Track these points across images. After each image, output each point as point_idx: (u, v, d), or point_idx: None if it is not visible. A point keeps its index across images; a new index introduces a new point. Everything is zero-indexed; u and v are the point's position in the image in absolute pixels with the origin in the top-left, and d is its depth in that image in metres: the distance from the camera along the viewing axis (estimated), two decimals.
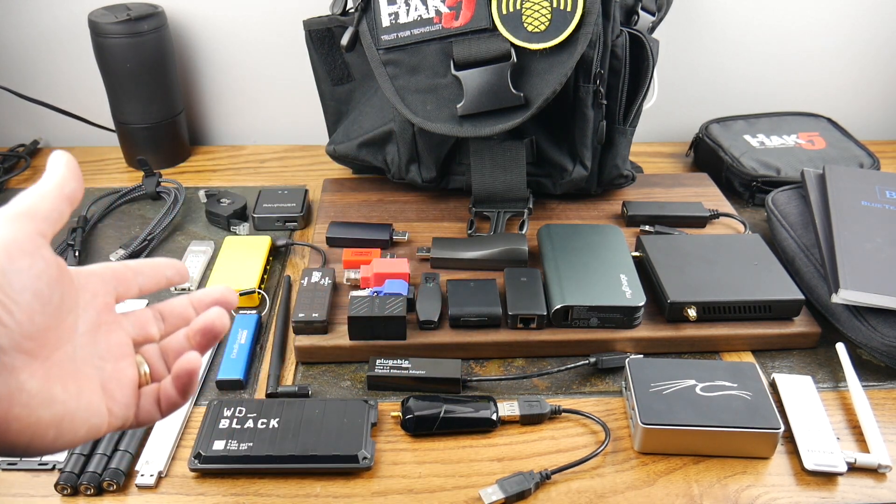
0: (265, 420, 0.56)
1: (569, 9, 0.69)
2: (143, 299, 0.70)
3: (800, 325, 0.66)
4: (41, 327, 0.33)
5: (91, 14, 0.87)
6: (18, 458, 0.54)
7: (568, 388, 0.63)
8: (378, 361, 0.62)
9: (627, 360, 0.61)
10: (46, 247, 0.34)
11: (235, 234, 0.83)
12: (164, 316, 0.42)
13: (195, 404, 0.60)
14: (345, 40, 0.77)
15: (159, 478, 0.54)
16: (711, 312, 0.66)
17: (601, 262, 0.70)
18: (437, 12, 0.72)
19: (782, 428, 0.54)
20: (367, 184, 0.90)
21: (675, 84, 1.01)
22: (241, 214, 0.84)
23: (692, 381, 0.58)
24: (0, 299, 0.31)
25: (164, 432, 0.57)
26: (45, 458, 0.54)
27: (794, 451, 0.56)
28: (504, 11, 0.70)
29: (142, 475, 0.53)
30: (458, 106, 0.73)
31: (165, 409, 0.40)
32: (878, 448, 0.55)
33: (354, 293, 0.66)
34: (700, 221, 0.82)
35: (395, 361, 0.62)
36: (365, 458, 0.54)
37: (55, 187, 0.36)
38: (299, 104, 1.00)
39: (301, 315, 0.64)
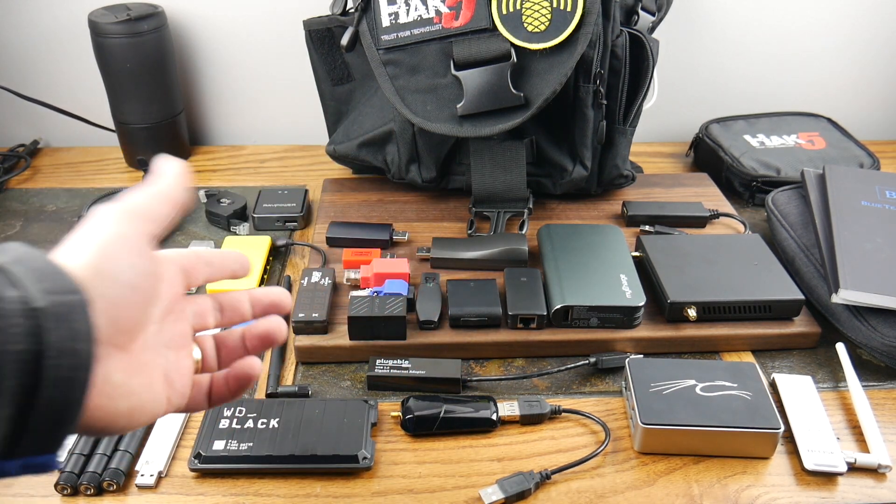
0: (265, 420, 0.56)
1: (569, 9, 0.69)
2: None
3: (800, 325, 0.66)
4: (132, 319, 0.34)
5: (91, 14, 0.87)
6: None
7: (568, 388, 0.63)
8: (378, 361, 0.62)
9: (627, 360, 0.61)
10: (151, 246, 0.36)
11: (235, 234, 0.83)
12: (223, 307, 0.43)
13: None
14: (345, 40, 0.77)
15: (159, 478, 0.54)
16: (711, 312, 0.66)
17: (601, 262, 0.70)
18: (437, 12, 0.72)
19: (782, 428, 0.54)
20: (367, 184, 0.90)
21: (675, 84, 1.01)
22: (241, 214, 0.84)
23: (692, 381, 0.58)
24: (106, 293, 0.32)
25: (164, 432, 0.57)
26: None
27: (794, 451, 0.56)
28: (504, 11, 0.70)
29: (142, 475, 0.53)
30: (458, 106, 0.73)
31: (214, 401, 0.41)
32: (878, 448, 0.55)
33: (354, 293, 0.66)
34: (700, 221, 0.82)
35: (395, 361, 0.62)
36: (365, 458, 0.54)
37: (167, 192, 0.38)
38: (299, 104, 1.00)
39: (301, 315, 0.64)
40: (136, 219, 0.35)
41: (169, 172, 0.39)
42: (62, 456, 0.33)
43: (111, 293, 0.33)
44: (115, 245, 0.34)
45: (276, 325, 0.42)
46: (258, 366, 0.41)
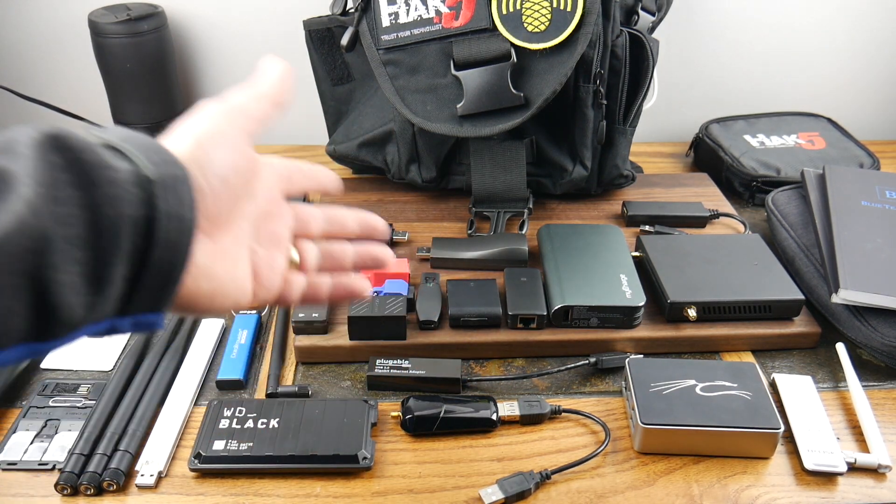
0: (265, 420, 0.56)
1: (569, 9, 0.69)
2: None
3: (800, 325, 0.66)
4: (221, 210, 0.36)
5: (91, 14, 0.87)
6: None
7: (568, 388, 0.63)
8: (378, 361, 0.62)
9: (627, 360, 0.61)
10: (248, 142, 0.38)
11: None
12: (329, 219, 0.44)
13: (195, 404, 0.60)
14: (345, 40, 0.77)
15: (159, 478, 0.54)
16: (711, 312, 0.66)
17: (601, 262, 0.70)
18: (437, 12, 0.72)
19: (782, 428, 0.54)
20: (367, 184, 0.90)
21: (675, 84, 1.01)
22: None
23: (692, 381, 0.58)
24: (199, 182, 0.34)
25: (164, 432, 0.57)
26: (45, 458, 0.54)
27: (794, 451, 0.56)
28: (504, 11, 0.70)
29: (142, 475, 0.53)
30: (458, 106, 0.73)
31: (306, 301, 0.43)
32: (878, 448, 0.55)
33: None
34: (700, 221, 0.82)
35: (395, 361, 0.62)
36: (365, 458, 0.54)
37: (270, 93, 0.40)
38: (299, 104, 1.00)
39: (301, 315, 0.64)
40: (236, 116, 0.37)
41: (272, 73, 0.41)
42: (166, 319, 0.35)
43: (203, 182, 0.34)
44: (213, 138, 0.36)
45: (386, 250, 0.45)
46: (367, 289, 0.44)
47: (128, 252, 0.30)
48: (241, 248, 0.38)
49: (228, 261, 0.37)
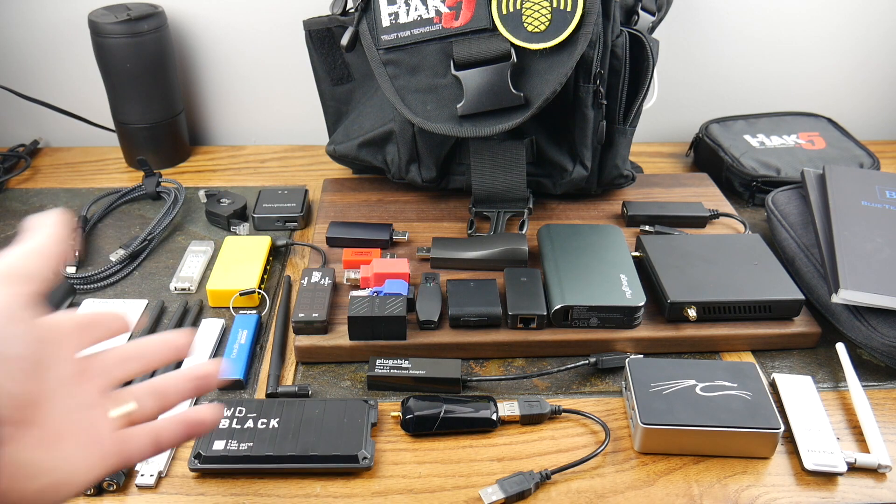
0: (265, 420, 0.56)
1: (569, 9, 0.69)
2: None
3: (800, 325, 0.66)
4: (31, 393, 0.32)
5: (91, 14, 0.87)
6: None
7: (568, 388, 0.63)
8: (378, 361, 0.62)
9: (627, 360, 0.61)
10: (34, 309, 0.33)
11: (235, 234, 0.83)
12: (144, 351, 0.40)
13: (195, 404, 0.60)
14: (345, 40, 0.77)
15: (159, 478, 0.54)
16: (711, 312, 0.66)
17: (601, 262, 0.70)
18: (437, 12, 0.72)
19: (782, 428, 0.54)
20: (367, 184, 0.90)
21: (675, 84, 1.01)
22: (241, 214, 0.84)
23: (692, 381, 0.58)
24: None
25: None
26: None
27: (794, 451, 0.56)
28: (504, 11, 0.70)
29: (142, 475, 0.53)
30: (458, 106, 0.73)
31: (165, 447, 0.39)
32: (878, 448, 0.55)
33: (354, 293, 0.66)
34: (700, 221, 0.82)
35: (395, 361, 0.62)
36: (365, 458, 0.54)
37: (42, 248, 0.36)
38: (299, 104, 1.00)
39: (301, 315, 0.64)
40: (18, 283, 0.33)
41: (42, 226, 0.37)
42: None
43: (3, 368, 0.30)
44: (2, 316, 0.31)
45: (211, 368, 0.40)
46: (214, 414, 0.40)
47: None
48: (70, 421, 0.34)
49: (61, 444, 0.33)
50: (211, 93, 1.01)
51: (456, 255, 0.74)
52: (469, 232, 0.79)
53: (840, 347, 0.65)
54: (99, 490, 0.52)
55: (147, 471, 0.53)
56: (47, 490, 0.32)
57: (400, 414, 0.58)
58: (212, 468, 0.53)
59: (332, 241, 0.78)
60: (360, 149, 0.85)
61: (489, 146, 0.79)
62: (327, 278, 0.70)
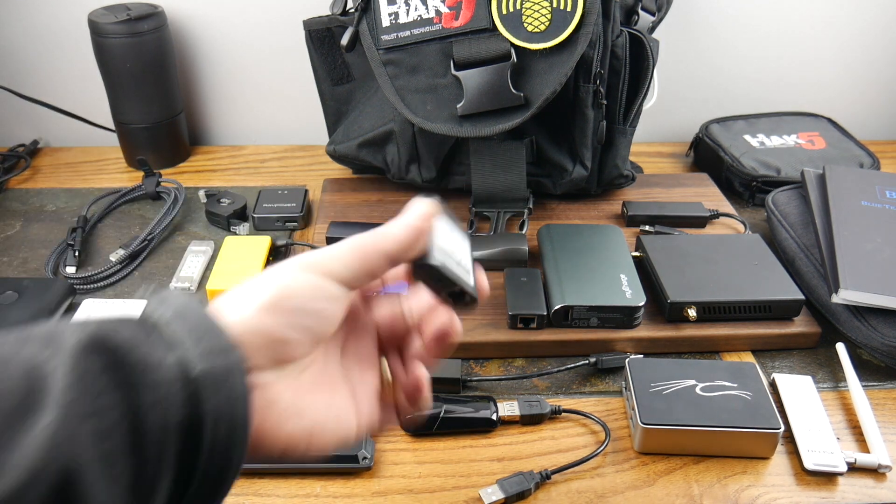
0: None
1: (569, 9, 0.69)
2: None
3: (800, 325, 0.66)
4: (305, 346, 0.34)
5: (91, 14, 0.87)
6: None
7: (568, 388, 0.63)
8: None
9: (627, 360, 0.61)
10: (324, 286, 0.34)
11: (235, 234, 0.83)
12: (406, 311, 0.39)
13: None
14: (345, 40, 0.77)
15: None
16: (711, 312, 0.66)
17: (601, 262, 0.70)
18: (437, 12, 0.72)
19: (782, 428, 0.54)
20: (367, 184, 0.90)
21: (675, 84, 1.01)
22: (241, 214, 0.84)
23: (692, 381, 0.58)
24: (259, 359, 0.31)
25: None
26: None
27: (794, 451, 0.56)
28: (504, 11, 0.70)
29: None
30: (458, 106, 0.73)
31: (402, 417, 0.39)
32: (878, 448, 0.55)
33: None
34: (700, 221, 0.82)
35: None
36: (365, 458, 0.54)
37: (373, 245, 0.36)
38: (299, 104, 1.00)
39: None
40: (308, 269, 0.34)
41: (399, 223, 0.37)
42: None
43: (264, 355, 0.32)
44: (286, 298, 0.33)
45: (448, 321, 0.37)
46: (424, 374, 0.37)
47: (174, 456, 0.28)
48: (332, 376, 0.35)
49: (319, 393, 0.34)
50: (211, 93, 1.01)
51: None
52: (469, 232, 0.79)
53: (840, 347, 0.65)
54: None
55: None
56: (314, 434, 0.33)
57: None
58: None
59: (332, 241, 0.77)
60: (360, 149, 0.85)
61: (489, 146, 0.79)
62: None
